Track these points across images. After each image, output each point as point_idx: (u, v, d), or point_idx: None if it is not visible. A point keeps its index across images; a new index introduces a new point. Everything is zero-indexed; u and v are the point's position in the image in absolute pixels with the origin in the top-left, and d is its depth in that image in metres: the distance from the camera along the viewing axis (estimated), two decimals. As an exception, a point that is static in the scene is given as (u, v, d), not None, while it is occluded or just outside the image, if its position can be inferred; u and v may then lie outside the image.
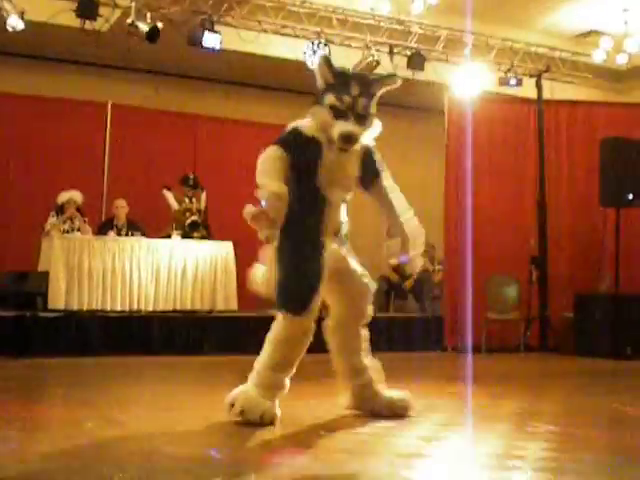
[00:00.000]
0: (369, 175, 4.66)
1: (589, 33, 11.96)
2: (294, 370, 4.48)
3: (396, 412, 4.63)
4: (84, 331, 8.48)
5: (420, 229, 4.66)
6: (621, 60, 11.76)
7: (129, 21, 9.18)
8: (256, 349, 8.38)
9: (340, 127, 4.35)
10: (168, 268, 9.26)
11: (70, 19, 9.22)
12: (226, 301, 9.50)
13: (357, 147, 4.49)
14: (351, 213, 4.73)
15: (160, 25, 9.31)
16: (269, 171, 4.31)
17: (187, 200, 9.98)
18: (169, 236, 9.71)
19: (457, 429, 4.52)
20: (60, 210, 9.61)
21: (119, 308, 8.95)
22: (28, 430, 4.14)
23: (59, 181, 10.29)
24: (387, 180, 4.71)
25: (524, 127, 11.00)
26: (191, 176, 10.21)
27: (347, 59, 10.61)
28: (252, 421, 4.22)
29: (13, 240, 10.69)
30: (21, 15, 8.98)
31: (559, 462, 3.55)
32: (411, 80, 10.63)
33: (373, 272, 12.69)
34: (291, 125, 4.53)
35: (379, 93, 4.56)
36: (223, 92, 12.43)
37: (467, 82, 10.71)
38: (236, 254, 9.63)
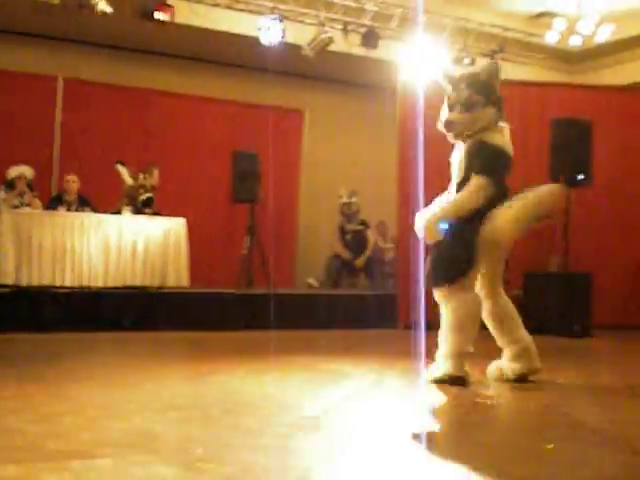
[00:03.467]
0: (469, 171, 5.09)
1: (543, 14, 12.04)
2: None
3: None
4: (34, 307, 8.39)
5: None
6: (574, 42, 11.87)
7: (80, -7, 9.06)
8: (206, 325, 8.42)
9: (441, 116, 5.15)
10: (118, 244, 9.16)
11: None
12: (177, 278, 9.44)
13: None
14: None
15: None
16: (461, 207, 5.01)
17: (141, 176, 9.86)
18: (119, 212, 9.62)
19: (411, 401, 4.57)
20: (10, 185, 9.48)
21: (69, 284, 8.85)
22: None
23: (9, 156, 10.13)
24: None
25: (477, 106, 11.03)
26: None
27: (301, 35, 10.59)
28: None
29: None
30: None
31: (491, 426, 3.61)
32: (365, 58, 10.65)
33: (326, 251, 12.77)
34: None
35: (490, 82, 5.15)
36: (176, 67, 12.34)
37: (420, 61, 10.71)
38: (187, 231, 9.60)
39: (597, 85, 12.08)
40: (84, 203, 9.65)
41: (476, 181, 4.97)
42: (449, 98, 5.13)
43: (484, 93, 5.08)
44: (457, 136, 5.13)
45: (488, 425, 3.97)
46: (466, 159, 5.06)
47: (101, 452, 3.12)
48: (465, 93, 5.07)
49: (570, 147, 9.62)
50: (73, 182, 9.72)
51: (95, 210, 9.59)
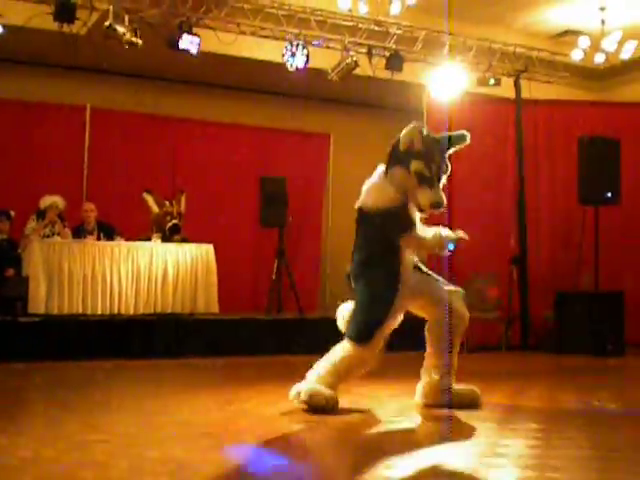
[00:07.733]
0: None
1: (566, 32, 12.02)
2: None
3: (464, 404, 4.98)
4: (64, 336, 8.41)
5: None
6: (598, 59, 11.80)
7: (107, 24, 9.14)
8: (237, 351, 8.41)
9: (431, 197, 4.72)
10: (148, 271, 9.22)
11: (48, 22, 9.16)
12: (207, 304, 9.47)
13: None
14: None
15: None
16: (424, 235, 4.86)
17: (167, 203, 9.92)
18: (149, 239, 9.67)
19: (439, 426, 4.53)
20: (41, 214, 9.55)
21: (99, 312, 8.90)
22: (10, 435, 4.10)
23: (39, 185, 10.25)
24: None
25: (503, 127, 11.06)
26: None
27: (326, 60, 10.62)
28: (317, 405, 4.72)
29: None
30: (-1, 20, 8.93)
31: (541, 459, 3.57)
32: (390, 81, 10.67)
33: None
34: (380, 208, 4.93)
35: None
36: (203, 95, 12.42)
37: (445, 82, 10.73)
38: (215, 256, 9.64)
39: (623, 102, 12.04)
40: (105, 229, 9.67)
41: None
42: (429, 169, 4.75)
43: None
44: None
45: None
46: None
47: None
48: (446, 166, 4.82)
49: (598, 165, 9.59)
50: (90, 211, 9.76)
51: (117, 233, 9.61)
